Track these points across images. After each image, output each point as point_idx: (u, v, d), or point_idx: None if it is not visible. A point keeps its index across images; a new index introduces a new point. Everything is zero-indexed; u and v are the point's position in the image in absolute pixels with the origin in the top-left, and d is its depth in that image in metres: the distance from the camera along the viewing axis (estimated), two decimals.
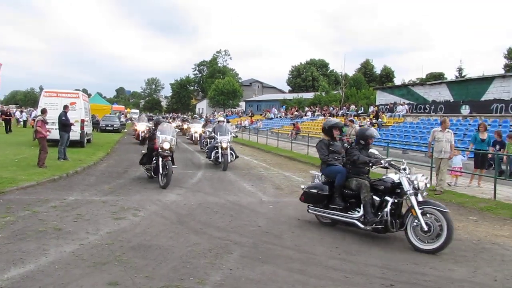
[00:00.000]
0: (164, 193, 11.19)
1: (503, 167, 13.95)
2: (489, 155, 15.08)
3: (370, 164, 8.05)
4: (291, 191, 12.50)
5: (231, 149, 17.38)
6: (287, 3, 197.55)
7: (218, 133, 17.59)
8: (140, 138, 26.85)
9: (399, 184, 7.45)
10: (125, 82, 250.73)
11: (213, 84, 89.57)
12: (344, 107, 43.04)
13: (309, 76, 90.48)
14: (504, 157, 14.05)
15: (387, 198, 7.46)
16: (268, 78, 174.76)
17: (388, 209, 7.29)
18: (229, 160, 16.86)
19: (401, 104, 34.73)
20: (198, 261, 5.95)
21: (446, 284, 5.50)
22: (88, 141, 24.43)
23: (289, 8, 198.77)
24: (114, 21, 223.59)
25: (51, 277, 5.08)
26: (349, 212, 7.88)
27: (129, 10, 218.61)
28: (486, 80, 30.56)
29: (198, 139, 28.54)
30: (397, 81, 77.87)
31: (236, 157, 17.74)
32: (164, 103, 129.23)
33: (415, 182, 7.26)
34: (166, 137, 12.58)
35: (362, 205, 7.64)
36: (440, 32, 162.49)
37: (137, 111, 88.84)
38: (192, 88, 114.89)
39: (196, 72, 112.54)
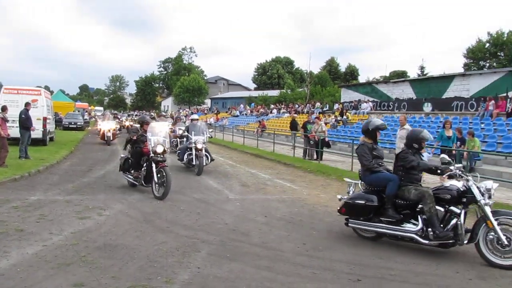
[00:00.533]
0: (129, 192, 11.05)
1: (464, 162, 14.31)
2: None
3: (439, 172, 7.22)
4: (258, 188, 12.53)
5: (206, 151, 15.67)
6: (253, 1, 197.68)
7: (193, 132, 15.64)
8: (106, 138, 26.22)
9: (465, 192, 6.67)
10: (88, 79, 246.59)
11: (178, 81, 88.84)
12: (309, 105, 43.33)
13: (274, 74, 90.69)
14: (465, 153, 14.44)
15: (453, 208, 6.69)
16: (233, 75, 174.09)
17: (462, 221, 6.49)
18: (204, 163, 15.07)
19: (366, 102, 35.20)
20: (166, 260, 5.89)
21: (411, 277, 5.61)
22: (51, 139, 23.79)
23: (255, 5, 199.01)
24: (77, 17, 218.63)
25: (13, 280, 4.94)
26: (402, 225, 6.94)
27: (92, 6, 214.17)
28: (447, 79, 31.27)
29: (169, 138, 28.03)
30: (362, 79, 78.87)
31: (212, 159, 16.01)
32: (128, 100, 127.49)
33: (490, 191, 6.52)
34: (158, 139, 11.07)
35: (424, 218, 6.71)
36: (403, 31, 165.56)
37: (101, 108, 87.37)
38: (157, 85, 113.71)
39: (161, 69, 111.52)
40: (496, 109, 22.37)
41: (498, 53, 53.47)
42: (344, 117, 32.40)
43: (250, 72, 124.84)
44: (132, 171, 11.62)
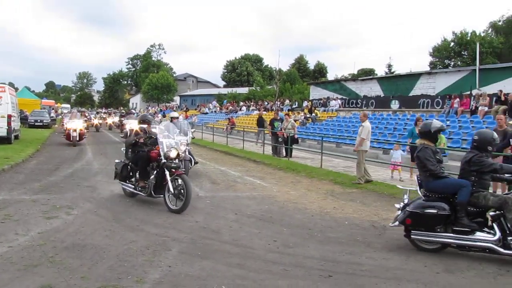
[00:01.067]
0: (98, 191, 10.87)
1: None
2: None
3: None
4: (228, 186, 12.50)
5: (190, 153, 13.81)
6: None
7: (175, 134, 12.04)
8: (72, 139, 23.49)
9: None
10: (55, 75, 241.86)
11: (147, 79, 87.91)
12: (279, 102, 43.49)
13: (244, 71, 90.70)
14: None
15: None
16: (202, 72, 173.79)
17: None
18: (189, 167, 13.46)
19: (334, 99, 35.55)
20: (136, 259, 5.82)
21: (382, 273, 5.68)
22: (16, 137, 23.17)
23: (225, 2, 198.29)
24: (43, 12, 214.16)
25: None
26: (474, 235, 6.42)
27: (59, 1, 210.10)
28: (414, 77, 31.85)
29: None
30: (330, 76, 79.70)
31: (196, 162, 14.46)
32: (96, 97, 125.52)
33: None
34: (170, 142, 9.66)
35: (500, 225, 6.34)
36: (371, 30, 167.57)
37: (68, 106, 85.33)
38: (125, 82, 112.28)
39: (130, 66, 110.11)
40: (460, 107, 22.91)
41: (462, 52, 54.68)
42: (313, 114, 32.65)
43: (219, 70, 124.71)
44: (133, 180, 10.02)
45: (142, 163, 9.73)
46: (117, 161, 10.71)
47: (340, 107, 33.89)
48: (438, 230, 6.58)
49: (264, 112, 37.52)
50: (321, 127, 28.86)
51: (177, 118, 16.69)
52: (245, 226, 7.95)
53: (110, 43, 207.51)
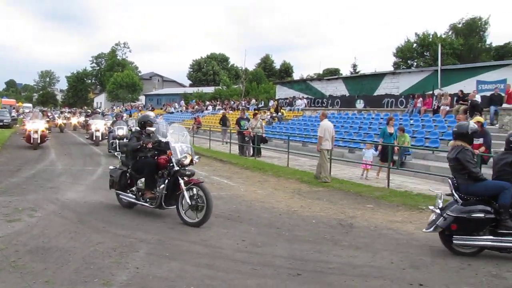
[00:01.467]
0: (62, 192, 10.62)
1: (395, 157, 14.86)
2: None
3: None
4: None
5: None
6: None
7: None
8: (32, 141, 21.10)
9: None
10: (16, 74, 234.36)
11: (111, 77, 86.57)
12: (245, 101, 43.51)
13: (210, 70, 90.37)
14: (395, 148, 14.98)
15: None
16: (168, 72, 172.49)
17: None
18: None
19: (300, 98, 35.74)
20: (103, 261, 5.72)
21: (349, 270, 5.75)
22: None
23: (192, 2, 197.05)
24: (3, 8, 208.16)
25: None
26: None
27: None
28: (378, 77, 32.33)
29: (100, 138, 24.20)
30: (296, 76, 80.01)
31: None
32: (59, 97, 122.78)
33: None
34: (182, 147, 8.49)
35: None
36: (337, 30, 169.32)
37: (30, 105, 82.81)
38: (89, 81, 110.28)
39: (94, 65, 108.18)
40: (423, 106, 23.37)
41: (425, 53, 55.89)
42: (279, 113, 32.76)
43: (185, 69, 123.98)
44: (134, 189, 8.93)
45: (150, 170, 8.63)
46: (111, 167, 9.67)
47: (306, 106, 34.11)
48: (481, 233, 6.50)
49: (231, 112, 37.48)
50: (287, 126, 28.98)
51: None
52: (213, 226, 7.90)
53: (74, 41, 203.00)
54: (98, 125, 24.98)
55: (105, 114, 35.41)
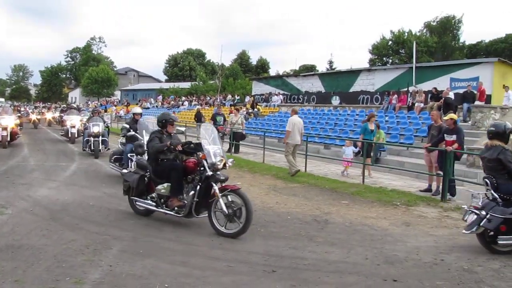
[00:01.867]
0: (34, 188, 10.42)
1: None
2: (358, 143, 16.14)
3: None
4: None
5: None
6: None
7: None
8: (1, 139, 18.83)
9: None
10: None
11: (86, 72, 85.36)
12: (221, 97, 43.41)
13: (186, 66, 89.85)
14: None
15: None
16: (144, 67, 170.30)
17: None
18: None
19: (276, 95, 35.83)
20: (75, 259, 5.63)
21: (324, 266, 5.77)
22: None
23: None
24: None
25: None
26: None
27: None
28: (354, 73, 32.55)
29: (76, 135, 22.58)
30: (272, 72, 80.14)
31: None
32: (33, 91, 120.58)
33: None
34: (215, 150, 7.59)
35: None
36: (313, 26, 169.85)
37: (2, 99, 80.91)
38: (64, 76, 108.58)
39: (69, 59, 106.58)
40: (398, 103, 23.67)
41: (400, 50, 56.58)
42: (255, 109, 32.77)
43: (161, 64, 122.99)
44: (154, 195, 8.09)
45: (177, 175, 7.76)
46: (125, 171, 9.30)
47: (282, 102, 34.20)
48: None
49: (207, 107, 37.33)
50: (263, 122, 29.02)
51: (140, 115, 13.53)
52: (188, 222, 7.84)
53: (48, 35, 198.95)
54: (74, 121, 23.11)
55: (81, 110, 32.24)
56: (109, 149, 17.25)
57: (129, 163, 11.38)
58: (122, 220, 7.81)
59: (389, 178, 13.95)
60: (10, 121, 19.66)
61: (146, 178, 8.18)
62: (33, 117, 35.77)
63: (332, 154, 18.80)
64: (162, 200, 7.89)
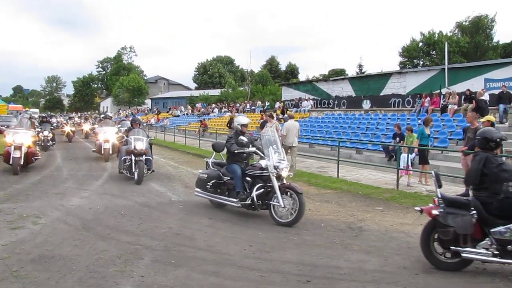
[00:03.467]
0: (67, 198, 10.50)
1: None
2: (391, 147, 15.83)
3: None
4: None
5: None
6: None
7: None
8: (11, 162, 13.97)
9: None
10: (23, 80, 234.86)
11: (117, 82, 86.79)
12: (250, 103, 43.39)
13: (215, 73, 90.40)
14: (404, 148, 14.75)
15: None
16: (174, 75, 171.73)
17: None
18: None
19: (306, 100, 35.58)
20: (107, 269, 5.58)
21: (360, 276, 5.59)
22: None
23: (197, 4, 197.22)
24: (10, 14, 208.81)
25: None
26: None
27: (26, 3, 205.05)
28: (385, 76, 32.05)
29: (111, 151, 18.76)
30: (302, 77, 79.81)
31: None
32: (66, 101, 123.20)
33: None
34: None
35: None
36: (342, 30, 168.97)
37: (37, 110, 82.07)
38: (95, 85, 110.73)
39: (100, 69, 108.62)
40: (431, 105, 23.15)
41: (431, 52, 55.62)
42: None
43: (191, 72, 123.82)
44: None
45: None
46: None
47: (312, 107, 33.95)
48: None
49: (236, 114, 37.31)
50: None
51: (246, 126, 10.30)
52: (219, 231, 7.78)
53: (80, 46, 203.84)
54: (108, 134, 18.84)
55: (121, 119, 27.59)
56: (153, 171, 13.93)
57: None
58: (153, 229, 7.75)
59: (424, 182, 13.57)
60: (26, 138, 14.72)
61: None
62: (67, 129, 31.90)
63: (364, 159, 18.49)
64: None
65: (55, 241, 6.86)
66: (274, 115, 20.85)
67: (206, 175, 9.74)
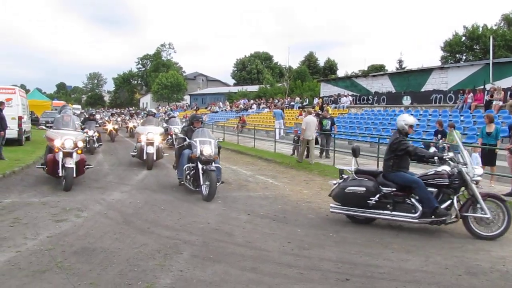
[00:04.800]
0: (108, 192, 10.71)
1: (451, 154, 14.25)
2: (432, 144, 15.49)
3: None
4: (240, 185, 12.32)
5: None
6: None
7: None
8: (61, 175, 10.85)
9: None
10: (66, 77, 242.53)
11: (157, 78, 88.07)
12: (289, 99, 43.26)
13: (253, 69, 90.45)
14: (446, 145, 14.42)
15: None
16: (212, 71, 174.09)
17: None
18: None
19: (345, 96, 35.23)
20: (146, 263, 5.66)
21: (400, 275, 5.48)
22: (27, 138, 23.20)
23: (233, 0, 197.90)
24: (53, 14, 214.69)
25: None
26: None
27: (68, 2, 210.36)
28: (425, 72, 31.39)
29: (155, 158, 15.38)
30: (340, 73, 78.99)
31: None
32: (107, 98, 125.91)
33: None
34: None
35: None
36: (381, 25, 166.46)
37: (79, 106, 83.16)
38: (135, 82, 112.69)
39: (140, 66, 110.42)
40: (474, 102, 22.52)
41: (474, 46, 54.08)
42: (324, 111, 32.35)
43: (229, 68, 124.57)
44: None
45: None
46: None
47: (351, 103, 33.57)
48: None
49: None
50: None
51: (413, 127, 9.09)
52: (258, 227, 7.78)
53: (120, 43, 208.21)
54: (152, 135, 15.53)
55: (170, 116, 25.66)
56: (222, 182, 11.33)
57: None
58: (192, 224, 7.81)
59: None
60: (79, 139, 11.82)
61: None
62: (110, 126, 28.60)
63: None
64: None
65: (97, 234, 7.01)
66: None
67: (364, 189, 7.97)
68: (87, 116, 25.42)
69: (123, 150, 21.90)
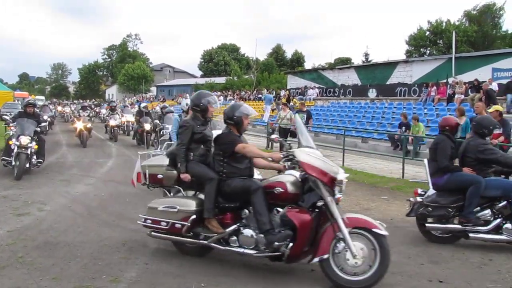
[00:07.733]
0: (72, 185, 10.52)
1: (410, 147, 14.60)
2: (396, 137, 15.78)
3: None
4: None
5: None
6: None
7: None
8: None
9: None
10: (28, 67, 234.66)
11: (123, 69, 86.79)
12: (256, 91, 43.28)
13: (221, 61, 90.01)
14: (410, 137, 14.71)
15: None
16: (179, 63, 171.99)
17: None
18: None
19: (312, 88, 35.47)
20: (111, 256, 5.59)
21: None
22: None
23: None
24: (14, 1, 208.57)
25: None
26: None
27: None
28: (391, 65, 31.93)
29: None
30: (307, 65, 79.36)
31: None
32: (71, 89, 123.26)
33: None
34: None
35: None
36: (348, 19, 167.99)
37: (43, 97, 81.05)
38: (101, 73, 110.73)
39: (105, 56, 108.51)
40: (437, 95, 23.01)
41: (438, 41, 55.13)
42: (291, 103, 32.48)
43: (196, 60, 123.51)
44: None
45: None
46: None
47: (317, 96, 33.85)
48: None
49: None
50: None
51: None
52: None
53: (85, 33, 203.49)
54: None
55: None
56: None
57: None
58: None
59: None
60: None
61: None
62: (80, 125, 19.49)
63: (369, 148, 18.43)
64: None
65: (60, 227, 6.88)
66: (287, 104, 20.75)
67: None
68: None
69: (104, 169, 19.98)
